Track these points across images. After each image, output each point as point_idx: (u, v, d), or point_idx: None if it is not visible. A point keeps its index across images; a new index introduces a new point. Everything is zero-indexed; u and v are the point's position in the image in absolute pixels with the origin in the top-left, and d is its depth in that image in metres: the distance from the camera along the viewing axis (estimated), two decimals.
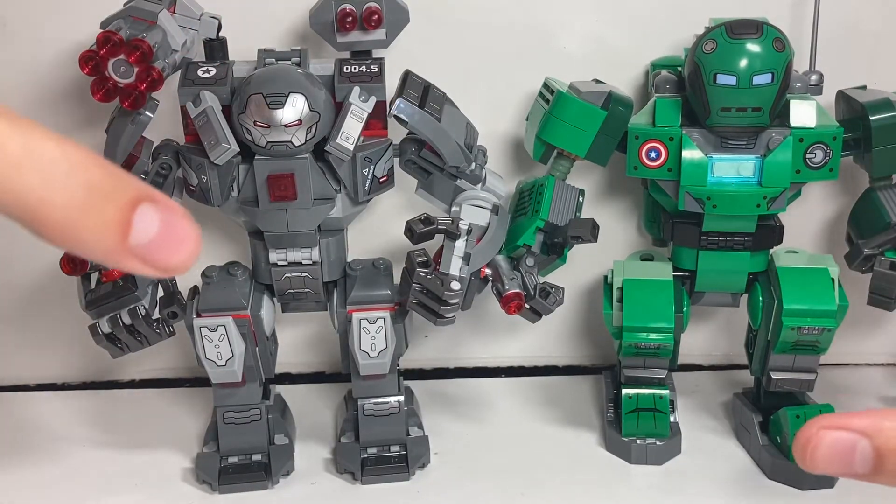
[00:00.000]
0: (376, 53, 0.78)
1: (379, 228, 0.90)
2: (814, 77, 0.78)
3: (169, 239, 0.35)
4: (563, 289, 0.76)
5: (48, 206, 0.34)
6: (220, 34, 0.78)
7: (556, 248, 0.78)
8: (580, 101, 0.78)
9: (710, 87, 0.72)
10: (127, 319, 0.71)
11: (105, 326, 0.71)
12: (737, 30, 0.71)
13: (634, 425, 0.82)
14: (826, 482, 0.77)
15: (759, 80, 0.71)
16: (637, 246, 0.91)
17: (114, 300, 0.71)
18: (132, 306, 0.71)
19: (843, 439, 0.52)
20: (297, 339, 0.95)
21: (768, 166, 0.74)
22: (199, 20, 0.77)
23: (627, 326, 0.79)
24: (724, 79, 0.71)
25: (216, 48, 0.78)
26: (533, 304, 0.75)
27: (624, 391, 0.82)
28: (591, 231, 0.76)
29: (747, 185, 0.75)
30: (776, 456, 0.79)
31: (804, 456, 0.53)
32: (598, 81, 0.82)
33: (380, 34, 0.77)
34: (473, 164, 0.77)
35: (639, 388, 0.82)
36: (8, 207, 0.34)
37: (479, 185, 0.78)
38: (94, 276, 0.73)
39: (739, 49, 0.71)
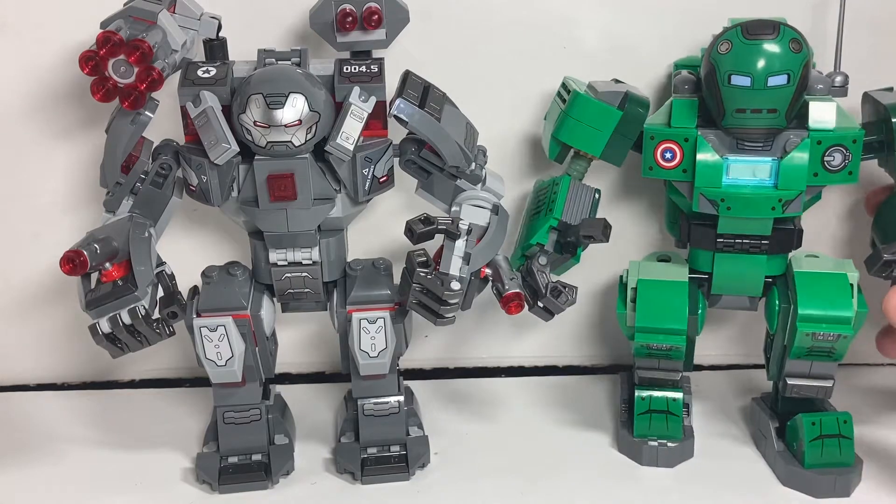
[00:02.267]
0: (376, 53, 0.78)
1: (379, 228, 0.90)
2: (839, 78, 0.76)
3: None
4: (576, 288, 0.75)
5: None
6: (220, 34, 0.78)
7: (569, 247, 0.78)
8: (596, 101, 0.78)
9: (724, 88, 0.72)
10: (127, 319, 0.71)
11: (105, 326, 0.71)
12: (753, 30, 0.71)
13: (646, 427, 0.81)
14: (842, 491, 0.76)
15: (774, 81, 0.70)
16: (654, 247, 0.91)
17: (113, 300, 0.71)
18: (132, 306, 0.71)
19: None
20: (297, 339, 0.95)
21: (784, 169, 0.73)
22: (198, 20, 0.77)
23: (640, 327, 0.78)
24: (738, 80, 0.70)
25: (216, 48, 0.78)
26: (545, 302, 0.75)
27: (637, 393, 0.82)
28: (602, 231, 0.76)
29: (762, 188, 0.74)
30: (791, 463, 0.78)
31: (885, 301, 0.73)
32: (617, 81, 0.82)
33: (380, 34, 0.77)
34: (473, 164, 0.77)
35: (652, 390, 0.81)
36: None
37: (479, 185, 0.78)
38: (94, 276, 0.73)
39: (755, 50, 0.70)
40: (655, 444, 0.81)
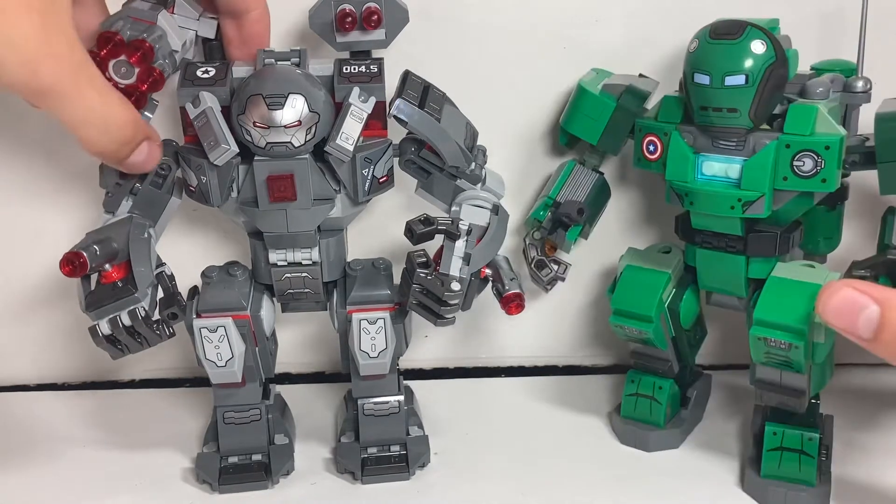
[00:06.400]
0: (376, 53, 0.78)
1: (378, 229, 0.90)
2: (859, 83, 0.74)
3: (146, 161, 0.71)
4: (567, 265, 0.77)
5: (95, 143, 0.67)
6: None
7: (561, 225, 0.81)
8: (593, 92, 0.81)
9: (690, 86, 0.73)
10: (127, 321, 0.71)
11: (105, 328, 0.71)
12: (718, 31, 0.71)
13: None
14: None
15: (731, 80, 0.70)
16: (667, 240, 0.89)
17: (113, 301, 0.71)
18: (132, 308, 0.71)
19: (857, 299, 0.60)
20: (297, 339, 0.95)
21: (747, 169, 0.72)
22: (197, 20, 0.77)
23: (614, 310, 0.81)
24: (699, 78, 0.72)
25: (215, 48, 0.78)
26: (531, 272, 0.77)
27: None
28: (576, 213, 0.79)
29: (727, 186, 0.74)
30: (752, 469, 0.77)
31: (820, 303, 0.62)
32: (642, 76, 0.84)
33: (379, 34, 0.77)
34: (473, 163, 0.77)
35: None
36: (73, 133, 0.66)
37: (479, 184, 0.78)
38: (94, 278, 0.72)
39: (715, 50, 0.71)
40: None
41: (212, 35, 0.78)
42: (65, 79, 0.63)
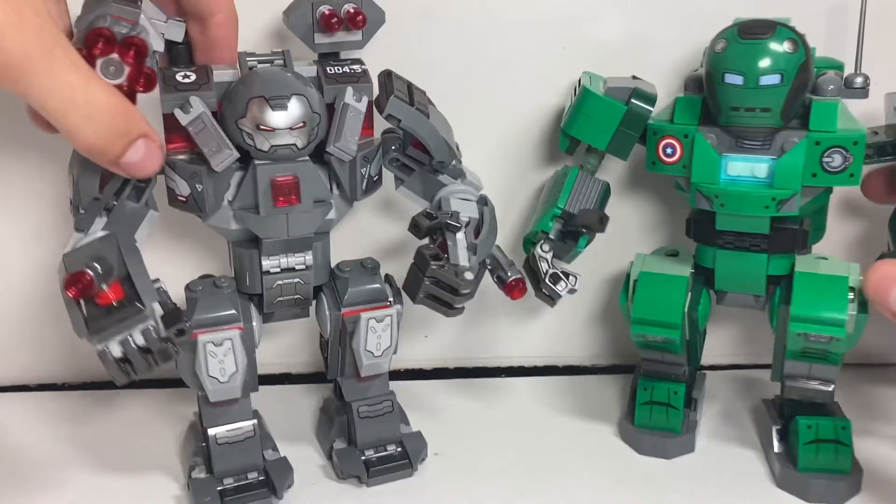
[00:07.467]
0: (356, 54, 0.78)
1: (356, 231, 0.89)
2: (858, 80, 0.75)
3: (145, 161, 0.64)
4: (577, 276, 0.77)
5: (82, 134, 0.61)
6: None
7: (571, 235, 0.80)
8: (602, 96, 0.80)
9: (719, 87, 0.72)
10: (140, 341, 0.66)
11: (116, 350, 0.66)
12: (748, 30, 0.71)
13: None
14: (835, 498, 0.75)
15: (766, 80, 0.70)
16: (665, 243, 0.91)
17: (122, 321, 0.65)
18: (144, 326, 0.66)
19: (893, 274, 0.67)
20: (296, 340, 0.92)
21: (779, 168, 0.73)
22: (165, 23, 0.73)
23: (636, 319, 0.79)
24: (731, 78, 0.71)
25: (181, 52, 0.75)
26: (544, 287, 0.77)
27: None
28: (599, 221, 0.78)
29: (758, 186, 0.74)
30: (787, 465, 0.77)
31: (865, 278, 0.68)
32: (635, 78, 0.83)
33: (358, 35, 0.77)
34: (454, 159, 0.79)
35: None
36: (58, 123, 0.60)
37: (460, 179, 0.80)
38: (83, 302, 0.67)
39: (748, 49, 0.70)
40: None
41: (179, 38, 0.74)
42: (35, 52, 0.56)
